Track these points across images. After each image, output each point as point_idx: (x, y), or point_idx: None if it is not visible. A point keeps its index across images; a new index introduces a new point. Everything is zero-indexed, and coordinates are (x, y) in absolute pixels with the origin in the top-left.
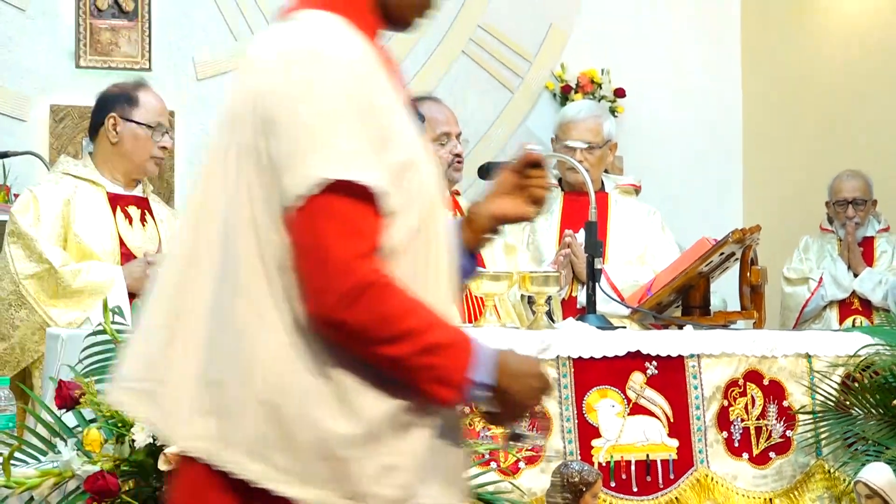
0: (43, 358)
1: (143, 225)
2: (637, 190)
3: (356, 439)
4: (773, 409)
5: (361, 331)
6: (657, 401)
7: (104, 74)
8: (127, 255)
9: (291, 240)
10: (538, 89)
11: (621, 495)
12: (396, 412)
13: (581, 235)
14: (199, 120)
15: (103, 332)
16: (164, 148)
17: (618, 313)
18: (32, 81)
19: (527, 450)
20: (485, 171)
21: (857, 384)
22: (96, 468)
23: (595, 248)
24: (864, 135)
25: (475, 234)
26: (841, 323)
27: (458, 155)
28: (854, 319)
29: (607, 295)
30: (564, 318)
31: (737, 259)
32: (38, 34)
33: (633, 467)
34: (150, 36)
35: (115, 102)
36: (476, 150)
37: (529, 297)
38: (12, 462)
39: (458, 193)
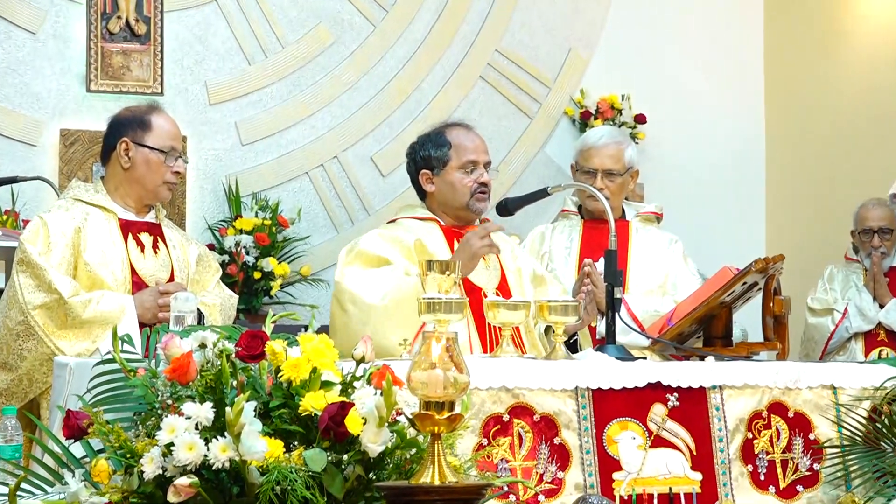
0: (51, 388)
1: (156, 252)
2: (658, 218)
3: None
4: (798, 442)
5: None
6: (679, 433)
7: (115, 98)
8: (138, 284)
9: None
10: (557, 115)
11: None
12: None
13: (601, 264)
14: (211, 144)
15: (112, 360)
16: (177, 173)
17: (638, 344)
18: (43, 105)
19: (546, 482)
20: (504, 208)
21: (884, 417)
22: (104, 500)
23: (615, 277)
24: (891, 162)
25: None
26: (866, 354)
27: (483, 184)
28: (880, 351)
29: (627, 325)
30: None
31: (760, 289)
32: (49, 58)
33: (655, 501)
34: (162, 59)
35: (127, 127)
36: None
37: (548, 328)
38: (18, 493)
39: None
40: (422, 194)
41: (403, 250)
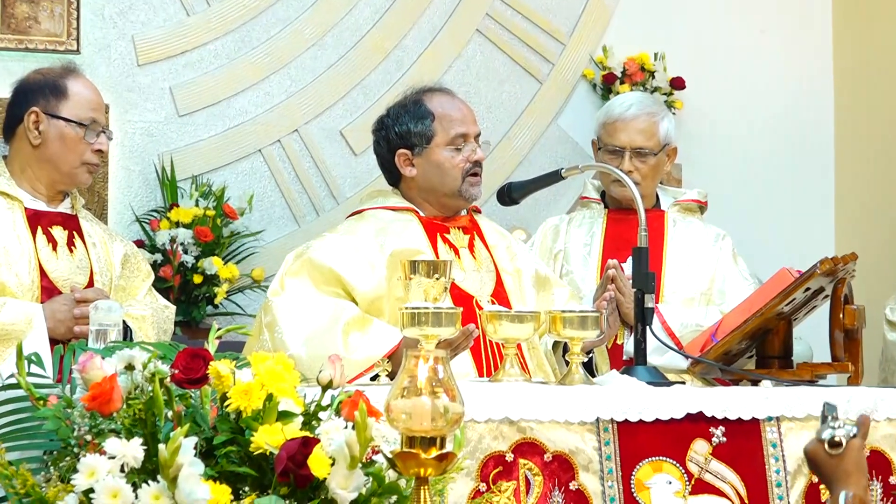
0: None
1: (71, 251)
2: (702, 207)
3: None
4: (876, 487)
5: None
6: (726, 476)
7: (20, 58)
8: (49, 290)
9: None
10: (574, 79)
11: None
12: None
13: (628, 266)
14: (139, 115)
15: (16, 385)
16: (99, 151)
17: (675, 365)
18: None
19: None
20: (507, 195)
21: None
22: None
23: (646, 281)
24: None
25: None
26: None
27: (476, 162)
28: None
29: (661, 342)
30: (608, 371)
31: (826, 296)
32: None
33: None
34: (78, 9)
35: (37, 94)
36: (494, 156)
37: (564, 345)
38: None
39: (477, 210)
40: (394, 179)
41: (364, 264)
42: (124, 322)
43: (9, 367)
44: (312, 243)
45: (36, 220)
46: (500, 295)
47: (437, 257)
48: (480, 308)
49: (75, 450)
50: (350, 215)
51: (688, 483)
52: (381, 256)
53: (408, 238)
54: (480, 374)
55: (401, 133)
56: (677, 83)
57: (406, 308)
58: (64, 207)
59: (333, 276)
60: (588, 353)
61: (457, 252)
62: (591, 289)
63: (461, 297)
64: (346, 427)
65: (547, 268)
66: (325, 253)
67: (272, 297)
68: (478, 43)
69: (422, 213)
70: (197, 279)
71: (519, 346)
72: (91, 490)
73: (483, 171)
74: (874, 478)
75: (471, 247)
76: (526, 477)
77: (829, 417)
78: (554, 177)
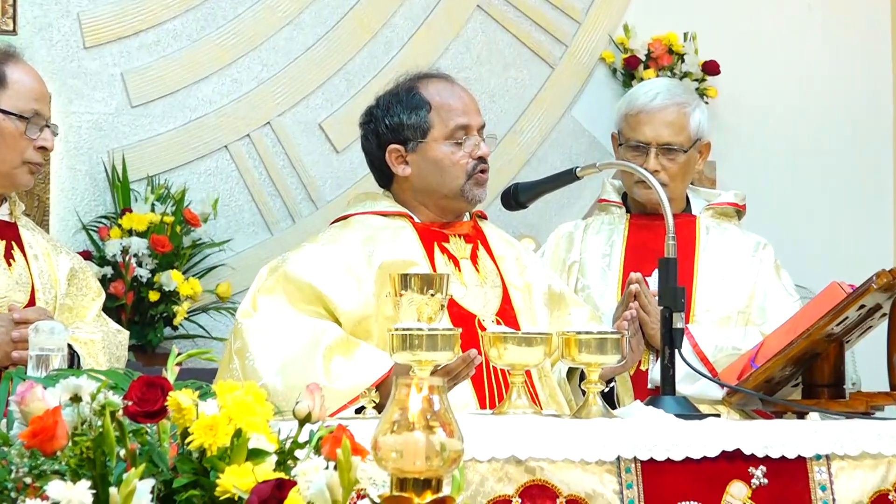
0: None
1: (9, 264)
2: (739, 212)
3: None
4: None
5: None
6: None
7: None
8: None
9: None
10: (590, 63)
11: None
12: None
13: (654, 280)
14: (86, 106)
15: None
16: (42, 148)
17: (708, 395)
18: None
19: None
20: (512, 198)
21: None
22: None
23: (674, 298)
24: None
25: None
26: None
27: (481, 158)
28: None
29: (692, 368)
30: (631, 403)
31: (884, 315)
32: None
33: None
34: None
35: None
36: (498, 152)
37: (580, 373)
38: None
39: (482, 216)
40: (384, 180)
41: (348, 278)
42: (70, 346)
43: None
44: (289, 255)
45: None
46: (506, 314)
47: (434, 270)
48: (483, 329)
49: (12, 494)
50: (333, 222)
51: None
52: (368, 270)
53: (400, 248)
54: (483, 406)
55: (392, 126)
56: (710, 67)
57: (396, 329)
58: (1, 214)
59: (313, 293)
60: (608, 381)
61: (457, 264)
62: (611, 307)
63: (461, 317)
64: (326, 467)
65: (562, 283)
66: (304, 266)
67: (242, 318)
68: (479, 21)
69: (417, 219)
70: (153, 296)
71: (528, 374)
72: None
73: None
74: None
75: (473, 258)
76: None
77: None
78: (568, 177)
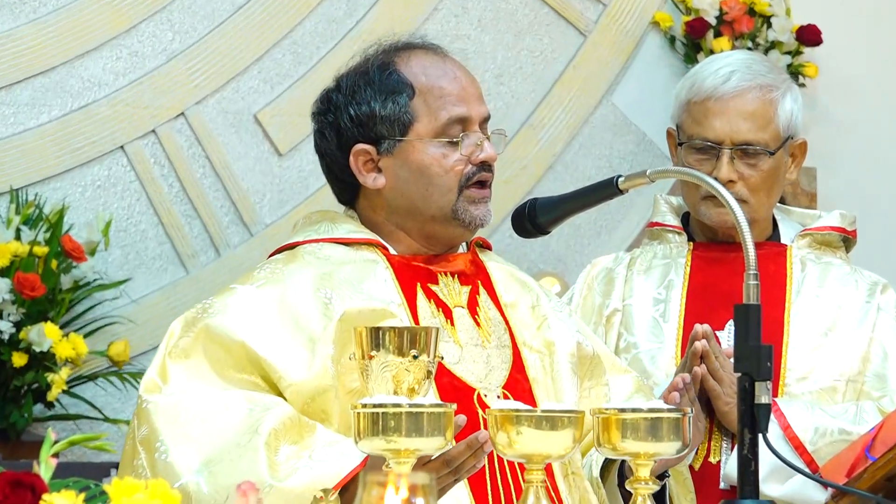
0: None
1: None
2: (848, 240)
3: None
4: None
5: None
6: None
7: None
8: None
9: None
10: (637, 29)
11: None
12: None
13: (728, 335)
14: None
15: None
16: None
17: (806, 498)
18: None
19: None
20: (529, 220)
21: None
22: None
23: (757, 360)
24: None
25: None
26: None
27: (484, 164)
28: None
29: (782, 459)
30: None
31: None
32: None
33: None
34: None
35: None
36: (509, 154)
37: (621, 466)
38: None
39: (485, 246)
40: (349, 194)
41: (297, 335)
42: None
43: None
44: (212, 302)
45: None
46: (517, 385)
47: (417, 322)
48: (486, 406)
49: None
50: (273, 253)
51: None
52: (325, 322)
53: (369, 291)
54: None
55: (359, 117)
56: (809, 35)
57: (364, 406)
58: None
59: (247, 357)
60: (661, 476)
61: (449, 314)
62: (668, 373)
63: (454, 389)
64: None
65: (598, 340)
66: (233, 318)
67: (147, 394)
68: None
69: (393, 250)
70: (18, 360)
71: (549, 469)
72: None
73: (494, 178)
74: None
75: (472, 306)
76: None
77: None
78: (606, 190)
